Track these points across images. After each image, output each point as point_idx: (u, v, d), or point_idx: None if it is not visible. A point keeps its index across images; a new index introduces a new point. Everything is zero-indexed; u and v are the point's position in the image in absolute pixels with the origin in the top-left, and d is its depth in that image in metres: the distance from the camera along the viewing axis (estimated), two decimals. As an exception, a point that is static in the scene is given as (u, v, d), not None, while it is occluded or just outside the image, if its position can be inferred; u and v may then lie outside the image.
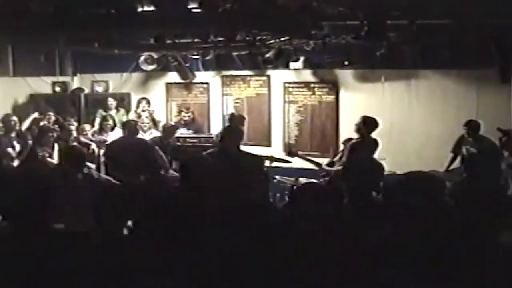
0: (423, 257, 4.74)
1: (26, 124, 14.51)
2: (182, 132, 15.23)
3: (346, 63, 15.10)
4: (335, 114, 15.68)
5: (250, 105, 16.88)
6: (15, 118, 13.86)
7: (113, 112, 16.21)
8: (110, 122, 15.38)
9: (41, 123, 14.46)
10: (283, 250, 4.84)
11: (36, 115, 15.01)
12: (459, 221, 5.15)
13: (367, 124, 11.04)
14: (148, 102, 16.72)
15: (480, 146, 12.24)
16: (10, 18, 10.90)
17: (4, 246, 4.99)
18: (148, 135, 14.72)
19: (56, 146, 12.94)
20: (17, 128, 13.71)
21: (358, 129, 11.06)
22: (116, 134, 15.06)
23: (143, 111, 16.17)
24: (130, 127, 12.94)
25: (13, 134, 13.39)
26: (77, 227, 6.02)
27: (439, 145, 13.38)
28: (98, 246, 5.02)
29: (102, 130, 15.29)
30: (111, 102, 16.48)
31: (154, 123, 16.06)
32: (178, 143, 14.29)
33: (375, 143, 11.10)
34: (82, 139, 14.15)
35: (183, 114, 16.05)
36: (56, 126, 14.34)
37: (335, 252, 4.84)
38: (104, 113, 16.01)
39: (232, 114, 15.24)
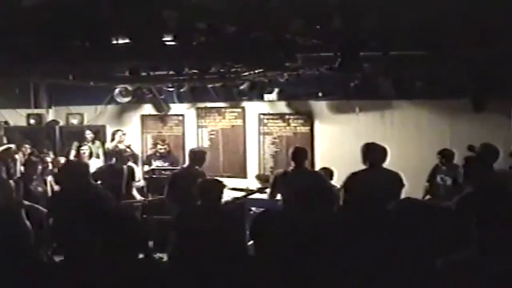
0: None
1: None
2: (157, 164, 15.25)
3: (320, 94, 15.22)
4: (310, 145, 15.65)
5: (225, 137, 16.92)
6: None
7: (89, 144, 16.16)
8: (87, 148, 15.36)
9: (16, 156, 14.39)
10: None
11: (12, 146, 14.94)
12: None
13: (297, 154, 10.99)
14: (124, 134, 16.72)
15: (454, 174, 12.32)
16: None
17: None
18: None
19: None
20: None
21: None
22: (93, 164, 15.02)
23: (120, 142, 16.18)
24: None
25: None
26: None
27: (414, 175, 13.38)
28: None
29: (78, 158, 15.25)
30: (89, 133, 16.52)
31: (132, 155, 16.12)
32: (154, 175, 14.33)
33: (308, 174, 10.98)
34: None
35: (158, 146, 16.07)
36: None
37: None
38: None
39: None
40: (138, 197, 13.51)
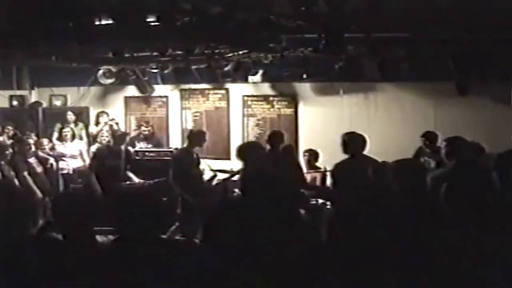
0: None
1: None
2: (141, 146, 15.19)
3: (304, 76, 15.18)
4: (294, 127, 15.73)
5: (209, 119, 16.88)
6: None
7: (72, 125, 16.05)
8: (69, 130, 15.25)
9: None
10: None
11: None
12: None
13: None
14: (111, 119, 16.59)
15: (438, 157, 12.33)
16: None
17: None
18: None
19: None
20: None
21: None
22: (76, 145, 14.95)
23: (106, 124, 16.10)
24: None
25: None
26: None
27: (397, 157, 13.42)
28: None
29: (61, 139, 15.14)
30: (70, 115, 16.39)
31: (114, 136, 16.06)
32: (137, 157, 14.20)
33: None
34: (40, 153, 13.99)
35: (142, 128, 15.98)
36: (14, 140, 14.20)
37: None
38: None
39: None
40: (136, 179, 13.32)
